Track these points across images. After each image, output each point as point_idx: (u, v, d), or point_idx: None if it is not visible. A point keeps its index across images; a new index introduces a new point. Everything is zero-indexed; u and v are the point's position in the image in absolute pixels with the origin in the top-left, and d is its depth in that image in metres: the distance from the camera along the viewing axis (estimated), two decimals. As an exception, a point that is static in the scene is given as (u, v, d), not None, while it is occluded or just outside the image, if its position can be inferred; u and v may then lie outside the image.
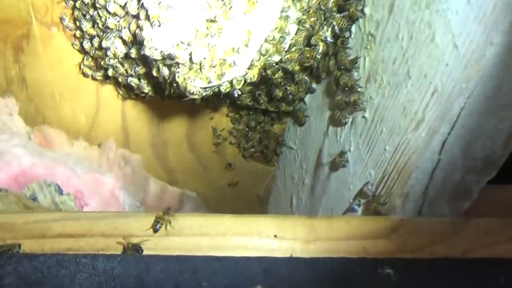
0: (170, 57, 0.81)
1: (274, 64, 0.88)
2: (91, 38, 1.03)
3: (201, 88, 0.85)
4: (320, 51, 0.91)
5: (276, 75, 0.91)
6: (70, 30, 1.06)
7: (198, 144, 1.31)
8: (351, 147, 0.91)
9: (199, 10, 0.78)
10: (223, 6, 0.77)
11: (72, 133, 1.22)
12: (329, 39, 0.90)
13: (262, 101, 1.09)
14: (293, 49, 0.87)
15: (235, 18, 0.78)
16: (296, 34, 0.85)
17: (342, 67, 0.92)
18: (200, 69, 0.81)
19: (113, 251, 0.64)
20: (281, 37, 0.83)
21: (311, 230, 0.68)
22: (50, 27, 1.08)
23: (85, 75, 1.12)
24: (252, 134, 1.26)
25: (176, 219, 0.67)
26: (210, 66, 0.81)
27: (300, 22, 0.85)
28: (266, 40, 0.82)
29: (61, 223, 0.65)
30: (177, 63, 0.82)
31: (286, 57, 0.87)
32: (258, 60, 0.83)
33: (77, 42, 1.08)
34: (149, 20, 0.81)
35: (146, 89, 1.07)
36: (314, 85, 1.06)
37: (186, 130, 1.27)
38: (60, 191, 0.79)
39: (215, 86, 0.85)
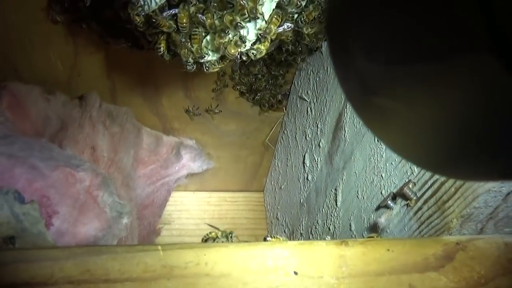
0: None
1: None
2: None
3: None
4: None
5: (288, 33, 0.73)
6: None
7: (195, 89, 1.15)
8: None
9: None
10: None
11: (49, 85, 1.05)
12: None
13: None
14: (311, 6, 0.68)
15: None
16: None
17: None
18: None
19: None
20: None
21: (342, 264, 0.53)
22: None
23: (56, 22, 0.93)
24: (258, 81, 1.09)
25: (166, 256, 0.53)
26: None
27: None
28: (278, 6, 0.63)
29: (13, 267, 0.49)
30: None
31: (303, 18, 0.68)
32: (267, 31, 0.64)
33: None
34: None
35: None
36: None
37: (181, 74, 1.10)
38: (20, 200, 0.62)
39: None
